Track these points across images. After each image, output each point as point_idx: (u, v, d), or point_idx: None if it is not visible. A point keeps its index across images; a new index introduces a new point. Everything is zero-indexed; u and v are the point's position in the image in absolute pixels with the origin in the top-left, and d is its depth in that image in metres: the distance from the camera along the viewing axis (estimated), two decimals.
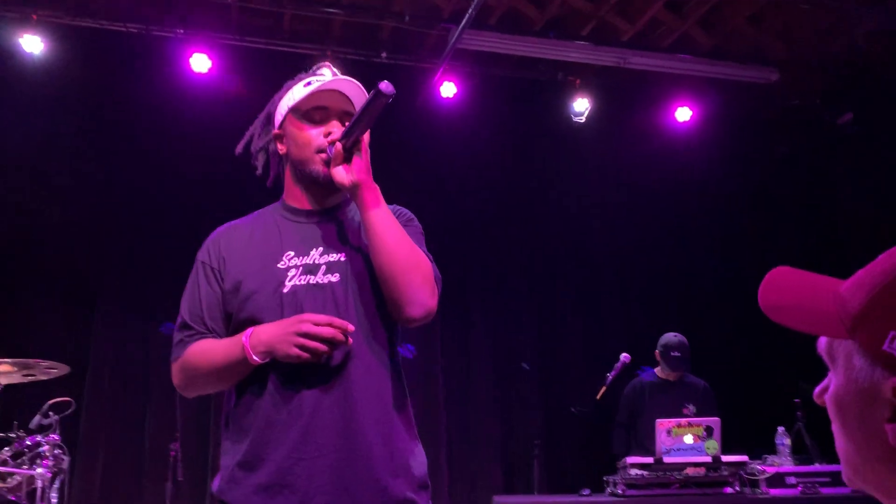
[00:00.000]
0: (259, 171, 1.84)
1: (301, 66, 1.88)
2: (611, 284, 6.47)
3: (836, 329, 0.77)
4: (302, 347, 1.52)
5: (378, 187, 1.66)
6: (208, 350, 1.66)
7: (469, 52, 5.77)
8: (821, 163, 6.64)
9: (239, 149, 1.85)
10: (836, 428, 0.81)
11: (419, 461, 1.68)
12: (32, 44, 5.05)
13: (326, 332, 1.53)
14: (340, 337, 1.54)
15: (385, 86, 1.55)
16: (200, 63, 5.30)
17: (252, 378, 1.63)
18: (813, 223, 6.57)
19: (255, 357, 1.57)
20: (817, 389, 0.82)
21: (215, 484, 1.67)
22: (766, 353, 5.98)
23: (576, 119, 6.08)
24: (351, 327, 1.56)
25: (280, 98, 1.80)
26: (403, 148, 5.58)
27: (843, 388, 0.78)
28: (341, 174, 1.63)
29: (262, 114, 1.85)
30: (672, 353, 4.72)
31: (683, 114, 6.27)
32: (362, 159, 1.63)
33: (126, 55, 5.32)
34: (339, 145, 1.63)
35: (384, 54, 5.71)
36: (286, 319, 1.58)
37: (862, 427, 0.77)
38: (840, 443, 0.81)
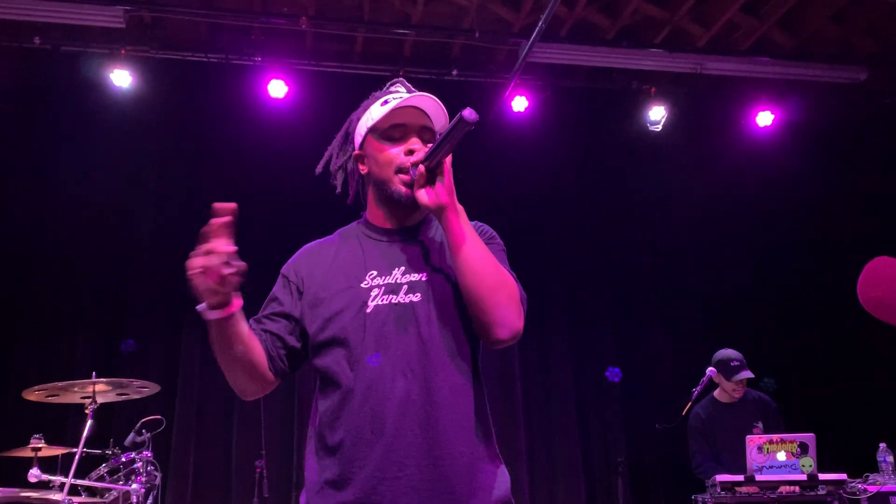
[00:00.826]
0: (339, 190, 1.87)
1: (374, 87, 1.90)
2: (691, 296, 6.27)
3: None
4: (197, 275, 1.53)
5: (462, 208, 1.67)
6: None
7: (540, 65, 5.75)
8: None
9: (319, 169, 1.89)
10: None
11: (501, 480, 1.67)
12: (122, 78, 5.32)
13: (205, 256, 1.53)
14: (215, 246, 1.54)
15: (468, 113, 1.54)
16: (278, 89, 5.48)
17: (336, 396, 1.65)
18: None
19: (198, 308, 1.63)
20: None
21: (302, 499, 1.70)
22: (865, 364, 5.68)
23: (652, 128, 5.98)
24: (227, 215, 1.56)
25: (358, 118, 1.83)
26: (477, 163, 5.58)
27: None
28: (425, 196, 1.64)
29: (340, 133, 1.88)
30: (732, 364, 4.53)
31: (765, 118, 6.07)
32: (446, 181, 1.64)
33: (207, 84, 5.54)
34: (422, 167, 1.64)
35: (455, 72, 5.75)
36: None
37: None
38: None
